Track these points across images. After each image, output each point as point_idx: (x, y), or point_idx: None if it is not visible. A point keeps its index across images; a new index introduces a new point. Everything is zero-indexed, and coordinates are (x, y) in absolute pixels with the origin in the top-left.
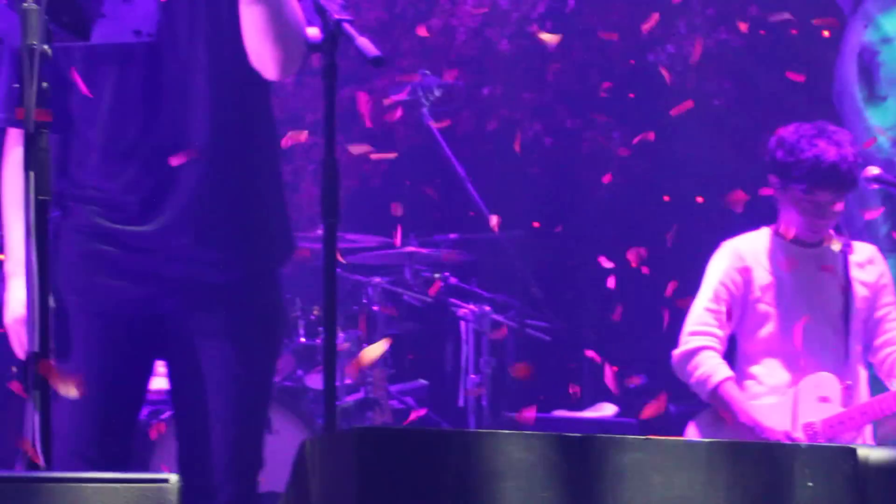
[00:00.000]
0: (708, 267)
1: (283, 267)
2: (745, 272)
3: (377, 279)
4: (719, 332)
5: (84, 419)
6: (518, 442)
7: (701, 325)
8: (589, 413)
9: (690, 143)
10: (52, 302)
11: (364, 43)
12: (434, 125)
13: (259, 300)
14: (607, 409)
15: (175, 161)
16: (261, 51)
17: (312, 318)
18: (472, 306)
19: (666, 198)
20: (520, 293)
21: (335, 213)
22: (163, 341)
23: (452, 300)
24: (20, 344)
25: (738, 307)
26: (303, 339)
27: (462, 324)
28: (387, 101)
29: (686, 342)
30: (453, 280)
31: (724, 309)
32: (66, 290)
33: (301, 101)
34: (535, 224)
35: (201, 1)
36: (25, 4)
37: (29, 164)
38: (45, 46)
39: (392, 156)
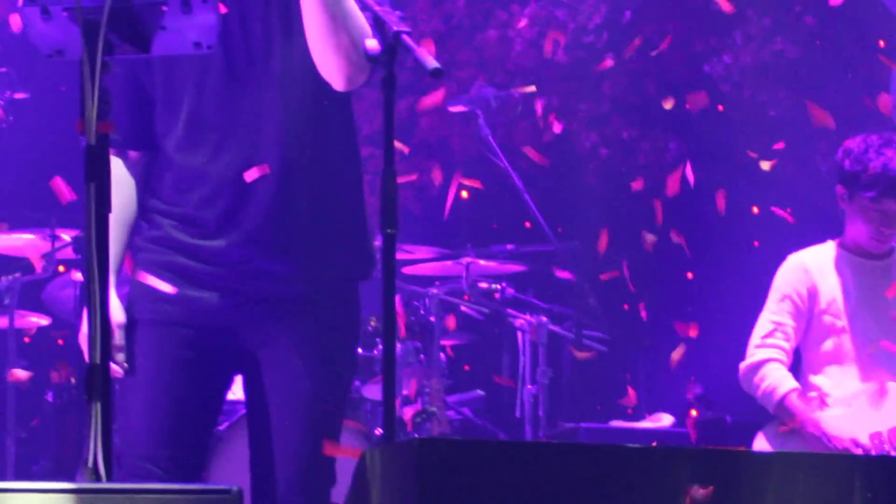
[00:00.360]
0: (774, 279)
1: (363, 280)
2: (811, 285)
3: (434, 290)
4: (785, 345)
5: (157, 429)
6: (578, 453)
7: (767, 337)
8: (646, 423)
9: (747, 154)
10: (122, 315)
11: (423, 54)
12: (490, 136)
13: (335, 314)
14: (665, 420)
15: (249, 176)
16: (326, 61)
17: (369, 328)
18: (528, 317)
19: (721, 208)
20: (577, 303)
21: (394, 224)
22: (238, 354)
23: (509, 311)
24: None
25: (803, 319)
26: (360, 350)
27: (519, 334)
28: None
29: (752, 354)
30: (510, 291)
31: (790, 321)
32: (144, 300)
33: (358, 112)
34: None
35: (275, 17)
36: (86, 17)
37: (90, 176)
38: (106, 58)
39: (477, 184)
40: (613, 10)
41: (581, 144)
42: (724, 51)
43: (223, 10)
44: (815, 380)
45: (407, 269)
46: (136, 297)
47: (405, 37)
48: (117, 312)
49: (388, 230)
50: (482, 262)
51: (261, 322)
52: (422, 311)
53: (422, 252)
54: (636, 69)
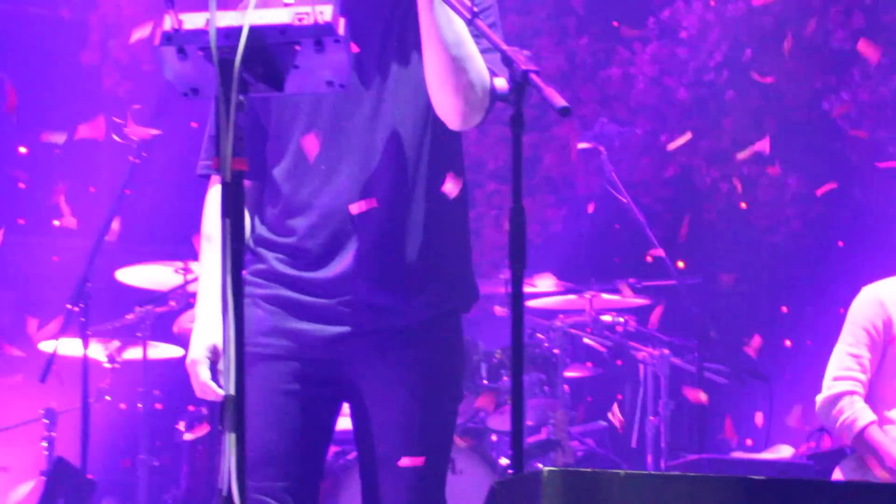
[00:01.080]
0: (849, 311)
1: (465, 312)
2: (887, 317)
3: (558, 322)
4: (862, 377)
5: (269, 461)
6: (703, 483)
7: (844, 369)
8: (766, 455)
9: (866, 190)
10: (205, 349)
11: (551, 93)
12: (614, 172)
13: (439, 345)
14: (784, 451)
15: (355, 209)
16: (444, 101)
17: (495, 361)
18: (650, 349)
19: (840, 244)
20: (698, 336)
21: (522, 260)
22: (344, 385)
23: (632, 343)
24: (199, 384)
25: (878, 351)
26: (485, 382)
27: (641, 366)
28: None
29: (830, 387)
30: (632, 324)
31: (866, 353)
32: (252, 333)
33: (484, 147)
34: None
35: (390, 55)
36: (222, 56)
37: (226, 211)
38: (241, 97)
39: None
40: (734, 48)
41: (702, 180)
42: (842, 88)
43: (355, 49)
44: (890, 414)
45: (532, 303)
46: (247, 331)
47: (533, 76)
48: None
49: (517, 265)
50: (605, 295)
51: (366, 353)
52: (546, 344)
53: (546, 285)
54: (756, 106)
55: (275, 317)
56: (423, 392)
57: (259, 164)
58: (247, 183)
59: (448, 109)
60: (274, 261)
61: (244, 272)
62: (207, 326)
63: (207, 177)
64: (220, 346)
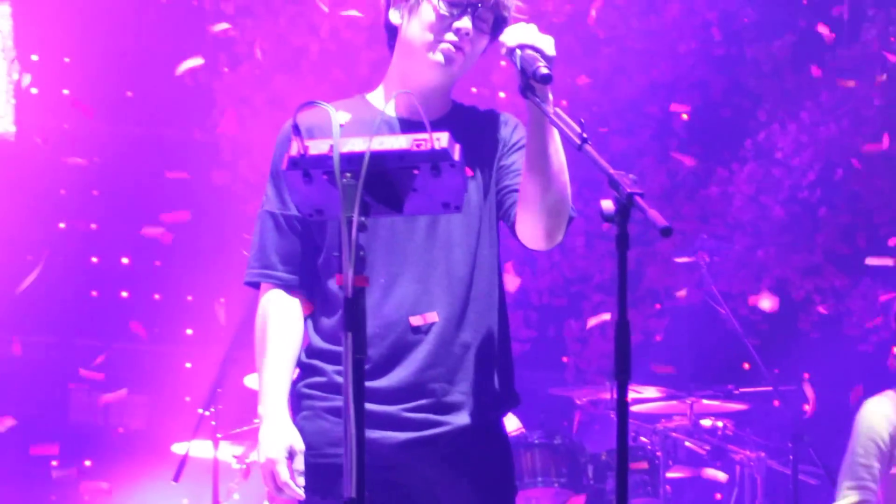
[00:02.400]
0: (858, 423)
1: (504, 416)
2: (893, 429)
3: (660, 426)
4: (873, 486)
5: None
6: None
7: (856, 479)
8: None
9: None
10: (302, 443)
11: (654, 214)
12: (713, 285)
13: (498, 445)
14: None
15: (416, 322)
16: (535, 222)
17: (601, 461)
18: (747, 452)
19: None
20: (792, 440)
21: (627, 371)
22: (414, 486)
23: (730, 446)
24: (279, 483)
25: (885, 462)
26: (591, 482)
27: (738, 468)
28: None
29: (845, 496)
30: (730, 427)
31: (875, 464)
32: (320, 444)
33: (591, 261)
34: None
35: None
36: (345, 180)
37: (348, 325)
38: (363, 218)
39: None
40: (827, 168)
41: (796, 293)
42: None
43: (469, 173)
44: None
45: (636, 408)
46: (313, 441)
47: (638, 198)
48: (297, 440)
49: (622, 375)
50: (705, 401)
51: (432, 456)
52: (649, 446)
53: (648, 392)
54: (847, 223)
55: (339, 427)
56: (489, 489)
57: (311, 280)
58: (297, 296)
59: (537, 229)
60: (333, 374)
61: (303, 387)
62: (280, 427)
63: (257, 285)
64: (295, 446)
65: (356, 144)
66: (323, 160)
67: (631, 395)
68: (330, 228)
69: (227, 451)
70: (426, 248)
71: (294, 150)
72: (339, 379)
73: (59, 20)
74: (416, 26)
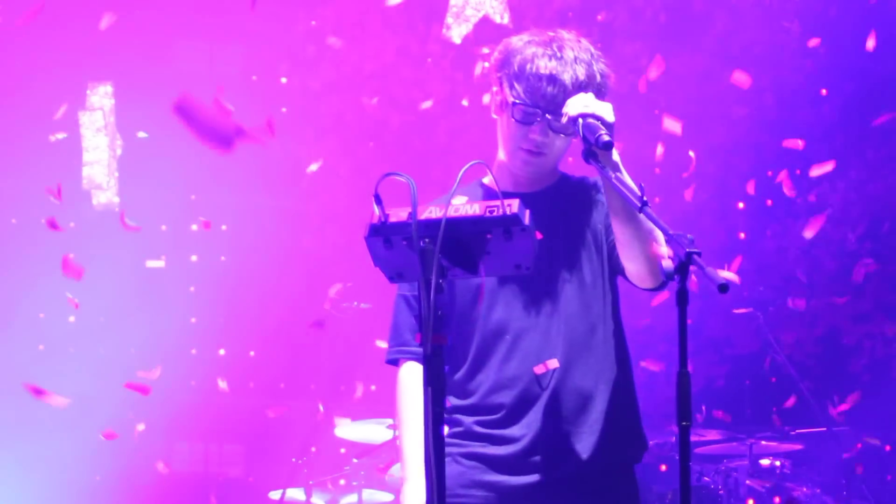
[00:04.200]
0: None
1: (637, 462)
2: None
3: (723, 466)
4: None
5: None
6: None
7: None
8: None
9: None
10: None
11: (712, 272)
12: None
13: (617, 492)
14: None
15: (539, 370)
16: (634, 263)
17: (666, 501)
18: (805, 489)
19: None
20: (846, 477)
21: (688, 418)
22: None
23: (788, 484)
24: None
25: None
26: None
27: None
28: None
29: None
30: (788, 466)
31: None
32: (454, 487)
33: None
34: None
35: (558, 242)
36: (423, 245)
37: (428, 381)
38: (440, 280)
39: None
40: (874, 221)
41: (847, 339)
42: None
43: (539, 236)
44: None
45: (699, 450)
46: (448, 484)
47: (696, 257)
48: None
49: (683, 422)
50: (764, 442)
51: (557, 498)
52: (712, 486)
53: (711, 434)
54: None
55: (473, 471)
56: None
57: (450, 348)
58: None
59: (641, 272)
60: (469, 423)
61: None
62: (417, 488)
63: (396, 361)
64: None
65: (433, 212)
66: (402, 227)
67: (694, 438)
68: (460, 294)
69: (319, 498)
70: (547, 304)
71: (375, 217)
72: (476, 428)
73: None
74: (501, 130)
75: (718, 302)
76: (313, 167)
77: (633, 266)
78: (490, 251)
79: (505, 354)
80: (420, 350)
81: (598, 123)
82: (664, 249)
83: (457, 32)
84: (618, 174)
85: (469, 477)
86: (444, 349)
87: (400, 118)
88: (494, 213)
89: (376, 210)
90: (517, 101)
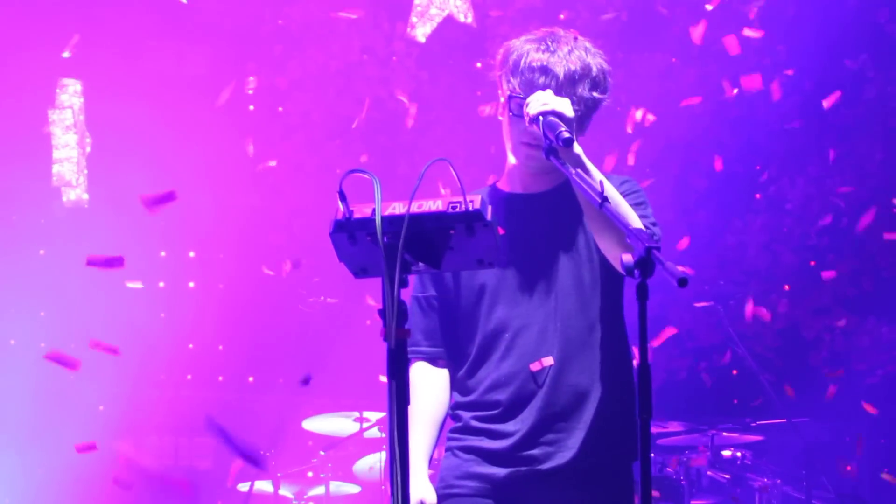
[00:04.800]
0: None
1: (634, 460)
2: None
3: (684, 458)
4: None
5: None
6: None
7: None
8: None
9: None
10: (433, 495)
11: (671, 266)
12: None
13: (609, 486)
14: None
15: (535, 367)
16: (610, 255)
17: None
18: (765, 479)
19: None
20: (806, 467)
21: (649, 410)
22: None
23: (748, 475)
24: None
25: None
26: None
27: (756, 495)
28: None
29: None
30: (749, 457)
31: None
32: (450, 478)
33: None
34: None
35: (556, 237)
36: (386, 240)
37: (391, 374)
38: (404, 275)
39: None
40: (834, 217)
41: (807, 332)
42: None
43: (501, 231)
44: None
45: (661, 441)
46: (444, 476)
47: (655, 252)
48: (429, 493)
49: (644, 415)
50: (725, 433)
51: (548, 491)
52: (674, 476)
53: (673, 426)
54: (854, 267)
55: (468, 463)
56: None
57: (455, 346)
58: (443, 366)
59: (615, 260)
60: (468, 419)
61: (448, 432)
62: (415, 484)
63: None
64: (427, 500)
65: (396, 208)
66: (366, 223)
67: (656, 429)
68: (465, 296)
69: (287, 489)
70: (545, 302)
71: (339, 214)
72: (474, 423)
73: (127, 93)
74: (504, 129)
75: (680, 295)
76: (271, 163)
77: (610, 254)
78: (453, 246)
79: (503, 352)
80: (429, 350)
81: (558, 121)
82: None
83: (421, 31)
84: (579, 170)
85: (464, 469)
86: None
87: (366, 115)
88: (457, 209)
89: (341, 206)
90: (513, 95)
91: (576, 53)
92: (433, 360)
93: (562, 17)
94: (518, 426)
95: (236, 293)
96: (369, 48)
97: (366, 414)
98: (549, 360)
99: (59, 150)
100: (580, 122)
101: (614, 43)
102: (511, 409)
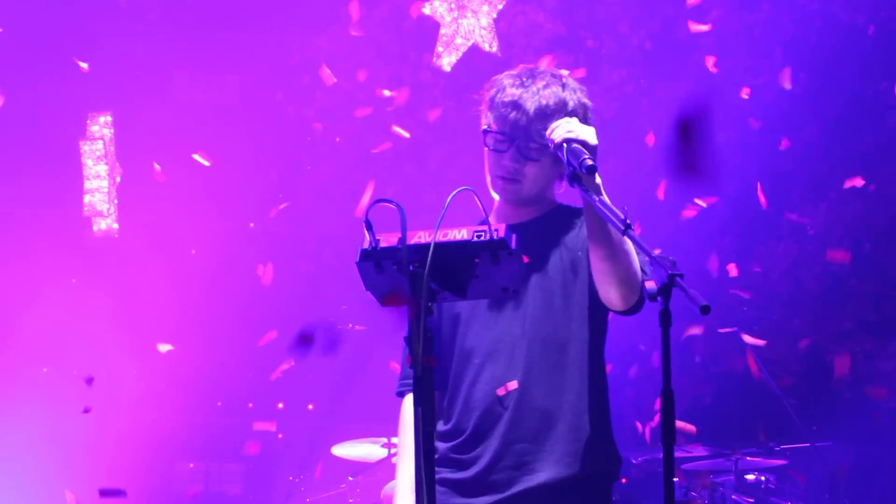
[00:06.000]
0: None
1: (615, 479)
2: None
3: (709, 481)
4: None
5: None
6: None
7: None
8: None
9: None
10: None
11: (694, 293)
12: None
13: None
14: None
15: (502, 392)
16: (609, 287)
17: None
18: (789, 503)
19: None
20: (829, 491)
21: (672, 436)
22: None
23: (773, 499)
24: None
25: None
26: None
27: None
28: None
29: None
30: (773, 481)
31: None
32: None
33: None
34: None
35: (531, 266)
36: (413, 269)
37: (418, 401)
38: (430, 304)
39: None
40: (855, 243)
41: (830, 357)
42: None
43: (525, 259)
44: None
45: (686, 466)
46: None
47: (679, 279)
48: None
49: (667, 440)
50: (749, 457)
51: None
52: (699, 500)
53: (698, 451)
54: (876, 291)
55: (442, 496)
56: None
57: (440, 377)
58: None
59: (611, 297)
60: (444, 448)
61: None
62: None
63: (402, 394)
64: None
65: (422, 237)
66: (392, 252)
67: (681, 454)
68: (439, 327)
69: None
70: (512, 327)
71: (366, 243)
72: (450, 454)
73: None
74: (486, 161)
75: (704, 322)
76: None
77: (605, 288)
78: (478, 275)
79: (473, 378)
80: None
81: (582, 147)
82: (639, 272)
83: (447, 61)
84: (601, 198)
85: (441, 501)
86: (434, 370)
87: (393, 145)
88: (482, 238)
89: (367, 236)
90: (488, 130)
91: (551, 88)
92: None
93: (588, 45)
94: (481, 452)
95: (266, 320)
96: (396, 77)
97: (394, 440)
98: (513, 384)
99: (91, 181)
100: (557, 157)
101: (639, 71)
102: (476, 436)
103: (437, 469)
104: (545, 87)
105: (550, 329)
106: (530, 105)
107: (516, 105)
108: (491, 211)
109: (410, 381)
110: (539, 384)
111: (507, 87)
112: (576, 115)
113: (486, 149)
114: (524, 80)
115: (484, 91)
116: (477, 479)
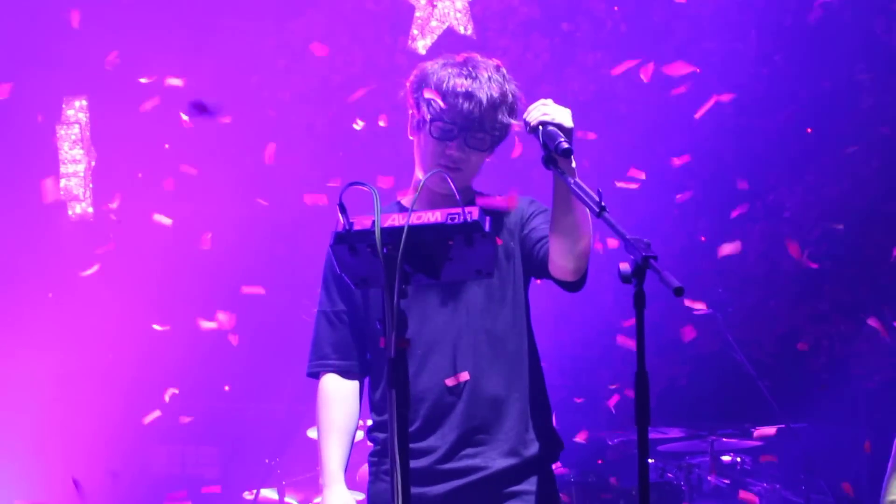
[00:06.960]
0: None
1: (553, 462)
2: None
3: (684, 463)
4: None
5: None
6: None
7: None
8: None
9: None
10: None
11: (667, 276)
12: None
13: (531, 489)
14: None
15: (451, 382)
16: (565, 262)
17: (632, 494)
18: (764, 484)
19: None
20: (805, 472)
21: (646, 417)
22: None
23: (748, 479)
24: None
25: None
26: None
27: (756, 499)
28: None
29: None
30: (748, 462)
31: None
32: (383, 503)
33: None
34: None
35: None
36: (386, 251)
37: (391, 383)
38: (404, 286)
39: None
40: (831, 224)
41: (805, 338)
42: None
43: (499, 241)
44: None
45: (663, 447)
46: (376, 502)
47: (652, 261)
48: (350, 502)
49: (642, 422)
50: (724, 439)
51: (478, 501)
52: (675, 482)
53: (674, 432)
54: (852, 273)
55: (386, 482)
56: None
57: (367, 366)
58: (354, 379)
59: (567, 266)
60: (384, 439)
61: (369, 456)
62: (335, 495)
63: (316, 375)
64: None
65: (396, 220)
66: (366, 234)
67: (657, 435)
68: (375, 309)
69: (292, 497)
70: (454, 317)
71: (340, 226)
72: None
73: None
74: (419, 150)
75: (678, 304)
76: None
77: (561, 262)
78: (452, 257)
79: (416, 369)
80: (339, 363)
81: (558, 130)
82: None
83: (422, 44)
84: (575, 180)
85: (382, 488)
86: (407, 352)
87: (368, 128)
88: (456, 220)
89: (341, 218)
90: (434, 119)
91: (495, 79)
92: (344, 373)
93: (564, 28)
94: (439, 442)
95: (242, 304)
96: (371, 61)
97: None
98: (464, 376)
99: (66, 165)
100: (492, 147)
101: (614, 54)
102: (427, 426)
103: (382, 460)
104: (489, 78)
105: (492, 319)
106: (482, 95)
107: (469, 95)
108: (407, 194)
109: (327, 362)
110: (488, 374)
111: (454, 76)
112: (512, 107)
113: (429, 137)
114: (470, 69)
115: (414, 77)
116: (432, 468)
